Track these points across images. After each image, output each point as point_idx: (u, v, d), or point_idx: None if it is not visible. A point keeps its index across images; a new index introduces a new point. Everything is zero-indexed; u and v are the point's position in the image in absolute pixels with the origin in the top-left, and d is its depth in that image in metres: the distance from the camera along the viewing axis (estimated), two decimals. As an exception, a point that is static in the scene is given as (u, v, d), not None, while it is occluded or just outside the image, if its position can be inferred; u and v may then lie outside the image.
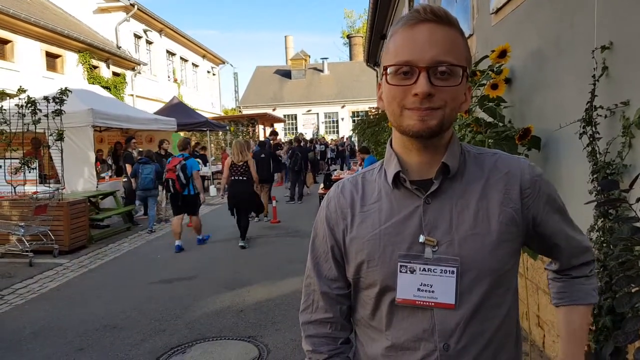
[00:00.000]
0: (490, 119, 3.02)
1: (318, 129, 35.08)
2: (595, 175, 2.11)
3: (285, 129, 34.15)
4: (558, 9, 2.65)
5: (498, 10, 3.64)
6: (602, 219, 2.04)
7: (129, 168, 9.52)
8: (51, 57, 14.56)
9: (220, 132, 19.48)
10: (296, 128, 35.14)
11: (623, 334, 1.30)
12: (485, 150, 1.09)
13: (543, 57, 2.88)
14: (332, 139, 26.52)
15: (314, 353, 1.13)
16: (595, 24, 2.21)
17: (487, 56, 3.16)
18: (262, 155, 10.26)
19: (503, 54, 2.94)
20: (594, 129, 2.13)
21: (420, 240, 0.99)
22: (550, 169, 2.78)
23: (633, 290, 1.34)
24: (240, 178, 7.58)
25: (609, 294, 1.90)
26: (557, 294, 1.19)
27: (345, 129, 32.54)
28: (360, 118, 21.18)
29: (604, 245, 1.98)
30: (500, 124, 2.93)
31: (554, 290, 1.20)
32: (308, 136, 30.20)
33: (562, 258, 1.16)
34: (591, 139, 2.14)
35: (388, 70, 0.96)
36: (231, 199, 7.69)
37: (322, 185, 11.61)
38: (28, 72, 13.11)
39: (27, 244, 6.85)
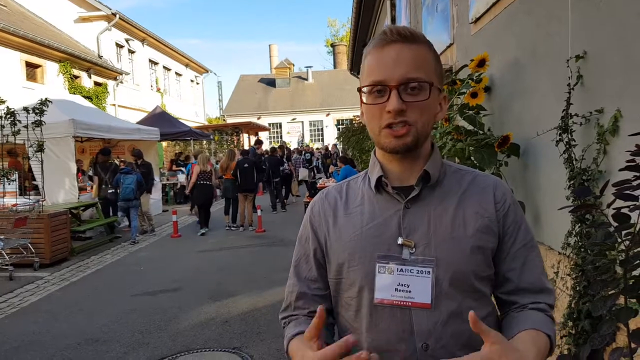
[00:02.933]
0: (470, 127, 3.06)
1: (303, 137, 35.12)
2: (572, 182, 2.15)
3: (270, 137, 34.12)
4: (534, 19, 2.71)
5: (477, 19, 3.70)
6: (579, 224, 2.08)
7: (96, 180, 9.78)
8: (31, 67, 14.35)
9: (205, 141, 19.37)
10: (281, 136, 35.13)
11: (599, 337, 1.33)
12: (464, 168, 1.15)
13: (521, 66, 2.93)
14: (317, 148, 26.52)
15: (287, 337, 1.12)
16: (570, 33, 2.27)
17: (466, 65, 3.22)
18: (246, 165, 10.20)
19: (482, 62, 3.00)
20: (570, 136, 2.18)
21: (398, 242, 1.04)
22: (530, 175, 2.83)
23: (608, 294, 1.37)
24: (207, 182, 9.85)
25: (587, 298, 1.94)
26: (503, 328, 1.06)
27: (330, 137, 32.64)
28: (344, 126, 21.25)
29: (582, 250, 2.03)
30: (480, 132, 2.98)
31: (503, 327, 1.07)
32: (294, 145, 30.15)
33: (513, 288, 1.07)
34: (567, 146, 2.18)
35: (364, 90, 1.04)
36: (199, 197, 9.91)
37: (307, 194, 11.64)
38: (7, 82, 12.90)
39: (6, 257, 6.72)
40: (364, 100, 1.05)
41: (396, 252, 1.04)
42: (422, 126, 1.02)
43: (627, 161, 1.23)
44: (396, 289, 1.03)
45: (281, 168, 13.04)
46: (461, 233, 1.03)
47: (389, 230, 1.05)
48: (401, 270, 1.03)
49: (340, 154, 14.26)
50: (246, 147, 20.71)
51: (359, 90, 1.05)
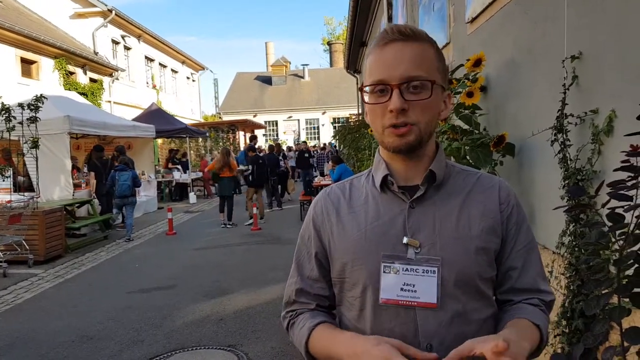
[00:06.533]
0: (466, 127, 3.07)
1: (299, 135, 35.08)
2: (566, 181, 2.16)
3: (266, 135, 34.07)
4: (530, 19, 2.72)
5: (473, 19, 3.71)
6: (573, 224, 2.10)
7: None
8: (26, 63, 14.25)
9: (200, 139, 19.31)
10: (277, 134, 35.09)
11: (592, 336, 1.34)
12: (468, 169, 1.15)
13: (517, 66, 2.94)
14: (312, 146, 26.49)
15: (304, 327, 1.12)
16: (566, 34, 2.28)
17: (463, 64, 3.23)
18: (260, 161, 10.53)
19: (478, 62, 3.01)
20: (564, 136, 2.19)
21: (403, 242, 1.03)
22: (525, 175, 2.84)
23: (602, 293, 1.38)
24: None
25: (581, 297, 1.95)
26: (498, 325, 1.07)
27: (326, 135, 32.61)
28: (340, 124, 21.26)
29: (576, 249, 2.04)
30: (476, 131, 2.99)
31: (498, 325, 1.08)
32: (290, 142, 30.10)
33: (510, 288, 1.09)
34: (562, 146, 2.19)
35: (366, 89, 1.04)
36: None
37: (302, 192, 11.65)
38: (2, 78, 12.81)
39: (0, 254, 6.68)
40: (367, 100, 1.04)
41: (401, 251, 1.03)
42: (425, 125, 1.02)
43: (622, 161, 1.24)
44: (401, 289, 1.02)
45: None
46: (466, 233, 1.03)
47: (393, 230, 1.05)
48: (406, 270, 1.02)
49: (333, 153, 14.24)
50: (242, 144, 20.64)
51: (361, 89, 1.05)
